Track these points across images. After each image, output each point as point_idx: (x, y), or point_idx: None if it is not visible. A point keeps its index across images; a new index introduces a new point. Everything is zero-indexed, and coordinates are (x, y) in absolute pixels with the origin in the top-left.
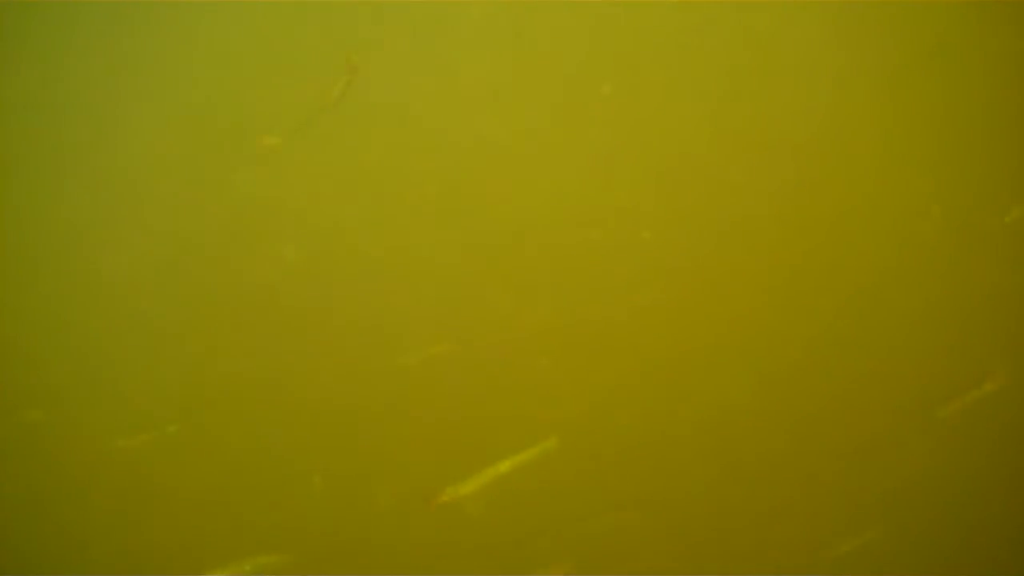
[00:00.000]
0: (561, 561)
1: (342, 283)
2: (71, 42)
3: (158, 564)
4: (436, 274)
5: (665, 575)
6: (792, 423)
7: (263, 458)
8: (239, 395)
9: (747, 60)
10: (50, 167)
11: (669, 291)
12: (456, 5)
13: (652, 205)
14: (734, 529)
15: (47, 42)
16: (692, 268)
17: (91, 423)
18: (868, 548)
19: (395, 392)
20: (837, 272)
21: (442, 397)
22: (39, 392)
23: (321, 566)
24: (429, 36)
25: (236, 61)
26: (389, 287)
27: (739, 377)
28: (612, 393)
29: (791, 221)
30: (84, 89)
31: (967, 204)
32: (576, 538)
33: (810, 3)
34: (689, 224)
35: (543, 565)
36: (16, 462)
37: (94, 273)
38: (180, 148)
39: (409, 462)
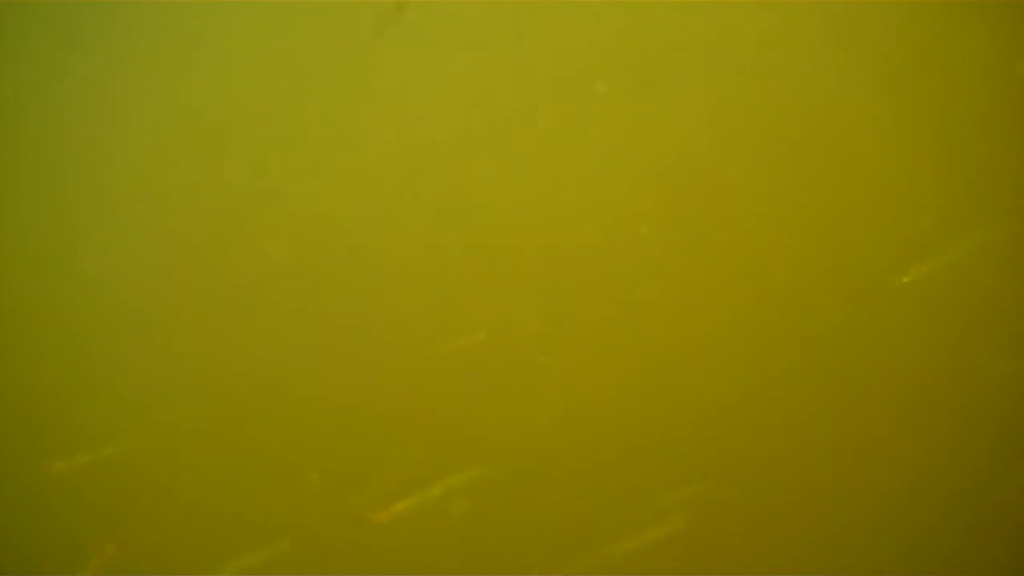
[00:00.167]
0: (561, 560)
1: (338, 281)
2: (71, 40)
3: (157, 561)
4: (433, 273)
5: (665, 575)
6: (792, 422)
7: (261, 456)
8: (238, 394)
9: (744, 57)
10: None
11: (669, 287)
12: (448, 4)
13: (650, 202)
14: (735, 528)
15: (47, 41)
16: (692, 264)
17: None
18: (871, 552)
19: (394, 390)
20: (837, 270)
21: (439, 396)
22: None
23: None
24: (421, 33)
25: (235, 61)
26: (387, 286)
27: (740, 374)
28: (610, 391)
29: (789, 216)
30: (85, 87)
31: (966, 203)
32: (577, 537)
33: (808, 1)
34: (687, 220)
35: (543, 563)
36: None
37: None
38: (177, 147)
39: (406, 460)
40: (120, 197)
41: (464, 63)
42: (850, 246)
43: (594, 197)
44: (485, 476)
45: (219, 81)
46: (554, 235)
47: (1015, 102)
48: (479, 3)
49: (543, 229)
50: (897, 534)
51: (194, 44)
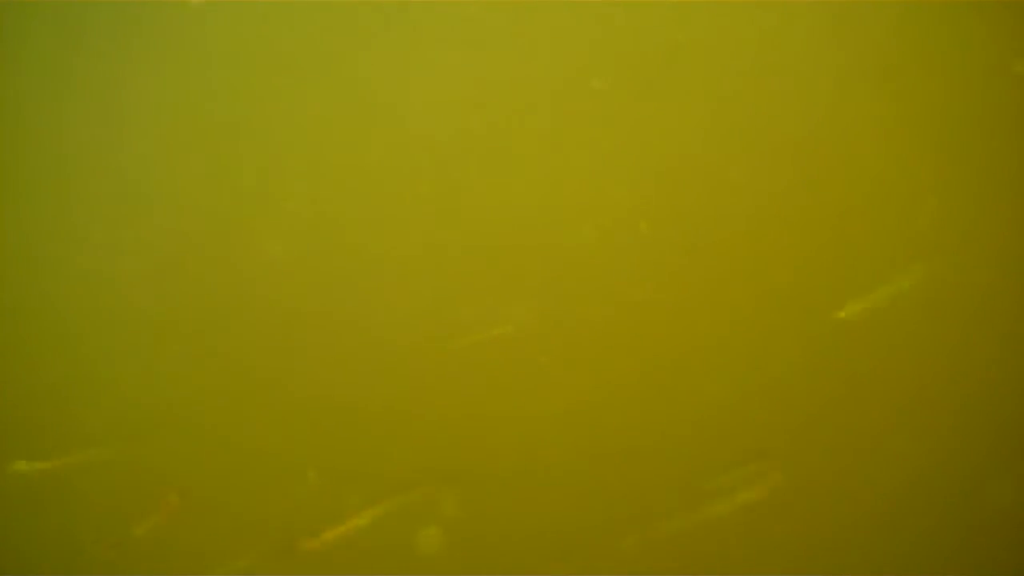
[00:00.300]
0: (562, 558)
1: (335, 281)
2: (71, 40)
3: (159, 562)
4: (431, 272)
5: (664, 574)
6: (791, 420)
7: (259, 454)
8: (237, 392)
9: (739, 55)
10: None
11: (668, 284)
12: (446, 4)
13: (648, 199)
14: (735, 528)
15: (47, 41)
16: (692, 260)
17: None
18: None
19: (392, 389)
20: (834, 269)
21: (438, 395)
22: None
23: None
24: (419, 32)
25: (234, 63)
26: (385, 286)
27: (740, 370)
28: (608, 390)
29: (787, 213)
30: (85, 88)
31: (965, 201)
32: (577, 536)
33: (805, 1)
34: (686, 217)
35: (544, 562)
36: None
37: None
38: (177, 147)
39: (403, 459)
40: (120, 196)
41: (462, 62)
42: (846, 242)
43: (592, 194)
44: (482, 475)
45: (219, 82)
46: (553, 233)
47: (1013, 100)
48: (477, 3)
49: (542, 227)
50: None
51: (193, 45)
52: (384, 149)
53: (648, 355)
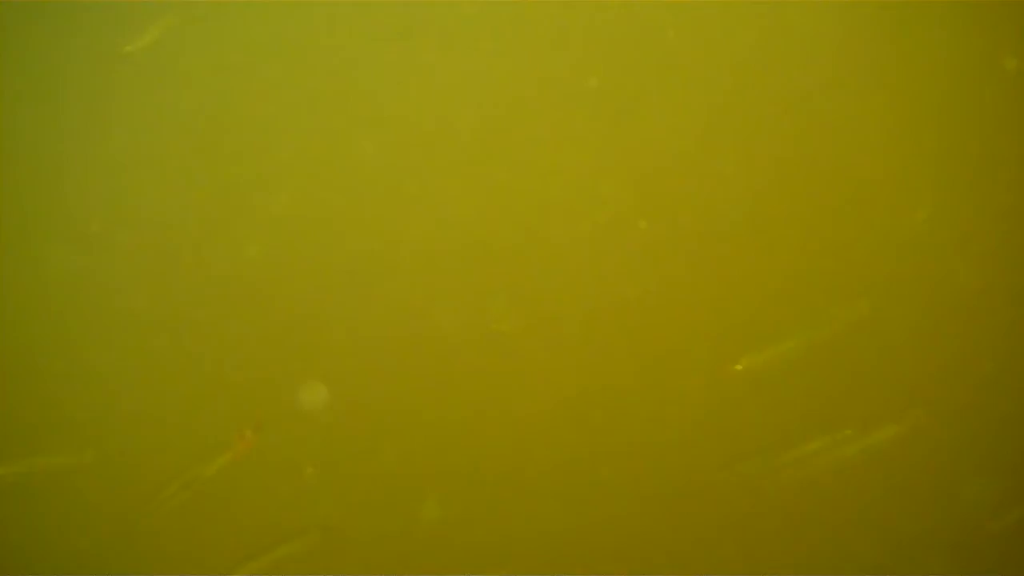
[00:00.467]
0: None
1: (332, 280)
2: (70, 40)
3: (162, 564)
4: (428, 270)
5: (663, 574)
6: (790, 418)
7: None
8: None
9: (737, 51)
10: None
11: (667, 279)
12: (442, 3)
13: (644, 196)
14: (734, 528)
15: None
16: (690, 256)
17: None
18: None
19: (390, 388)
20: (837, 265)
21: (437, 393)
22: None
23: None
24: (410, 29)
25: (233, 64)
26: (383, 284)
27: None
28: (607, 387)
29: (783, 210)
30: (83, 87)
31: (959, 196)
32: (575, 535)
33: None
34: (682, 214)
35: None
36: None
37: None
38: (176, 146)
39: (401, 457)
40: (118, 196)
41: (458, 62)
42: (842, 238)
43: (589, 192)
44: (477, 474)
45: (219, 83)
46: (551, 230)
47: (1004, 96)
48: (473, 2)
49: (539, 224)
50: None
51: (182, 47)
52: (378, 147)
53: (646, 351)
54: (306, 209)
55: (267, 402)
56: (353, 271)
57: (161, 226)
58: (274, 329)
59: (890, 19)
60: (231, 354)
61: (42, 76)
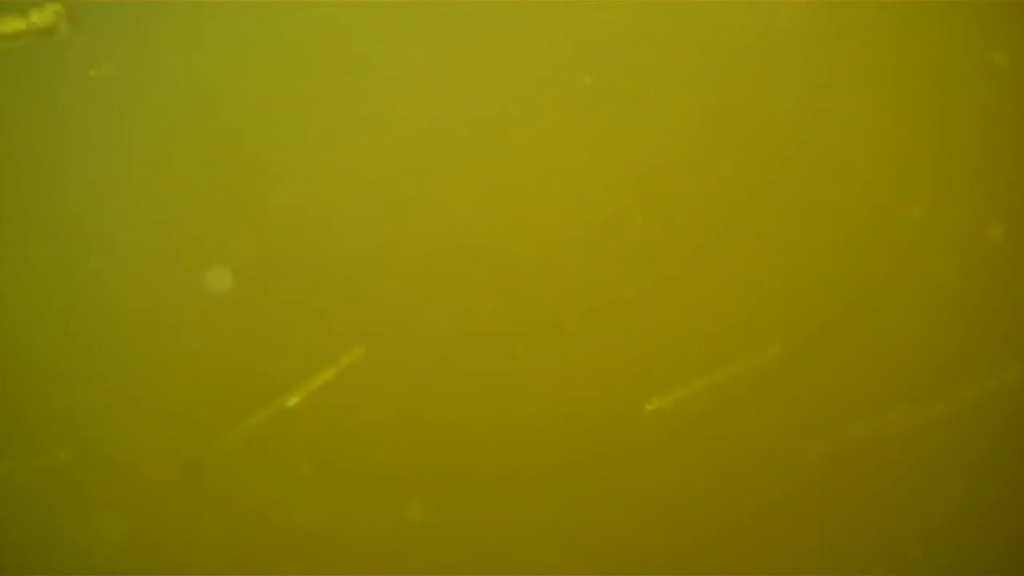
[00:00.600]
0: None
1: (327, 279)
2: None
3: (160, 564)
4: (425, 268)
5: (662, 574)
6: (788, 416)
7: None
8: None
9: (731, 48)
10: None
11: (664, 277)
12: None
13: (641, 194)
14: (731, 531)
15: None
16: (687, 252)
17: None
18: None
19: (388, 386)
20: (835, 263)
21: (432, 392)
22: None
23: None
24: (401, 26)
25: (232, 65)
26: (375, 281)
27: (736, 366)
28: (606, 387)
29: (780, 208)
30: (82, 86)
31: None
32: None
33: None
34: (678, 212)
35: (541, 566)
36: None
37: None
38: (177, 147)
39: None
40: (117, 195)
41: (450, 58)
42: (837, 233)
43: (584, 189)
44: (471, 473)
45: (220, 84)
46: (548, 227)
47: (990, 92)
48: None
49: (533, 222)
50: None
51: (183, 42)
52: (371, 146)
53: (642, 349)
54: (301, 206)
55: (266, 400)
56: (347, 269)
57: (159, 224)
58: (272, 328)
59: (879, 17)
60: (229, 353)
61: (46, 71)
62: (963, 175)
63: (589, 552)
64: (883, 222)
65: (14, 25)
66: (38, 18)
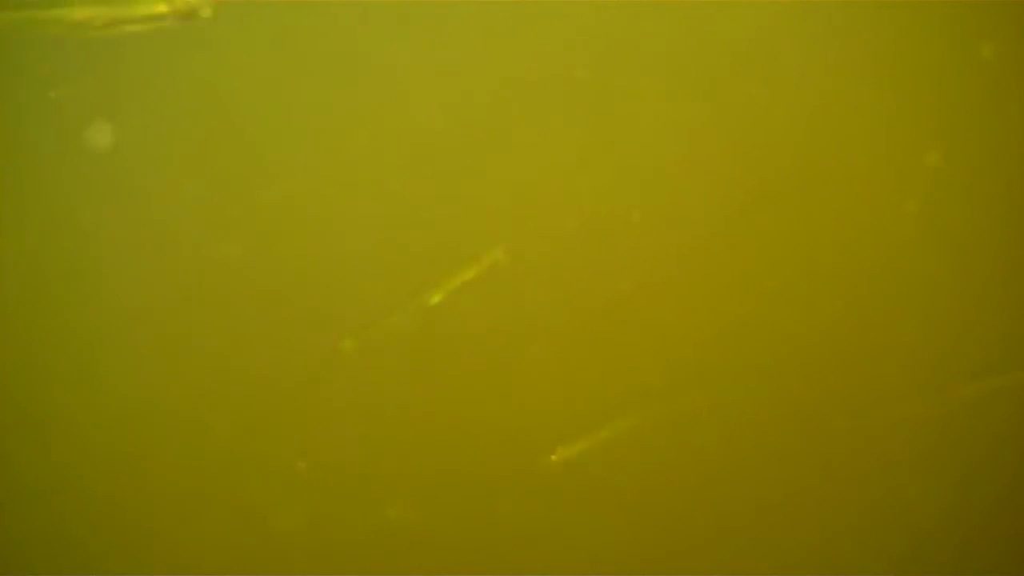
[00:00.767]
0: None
1: (324, 278)
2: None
3: (156, 560)
4: (423, 268)
5: (661, 574)
6: (787, 415)
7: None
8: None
9: (724, 42)
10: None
11: (660, 272)
12: None
13: (637, 190)
14: (730, 528)
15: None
16: (684, 249)
17: None
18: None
19: (386, 385)
20: (836, 261)
21: (430, 388)
22: None
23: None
24: (396, 21)
25: (231, 66)
26: (374, 281)
27: (734, 365)
28: (605, 384)
29: (776, 204)
30: (82, 86)
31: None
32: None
33: None
34: (674, 208)
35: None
36: None
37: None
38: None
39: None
40: (117, 195)
41: (444, 53)
42: (834, 229)
43: (580, 187)
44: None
45: (223, 85)
46: (544, 223)
47: (980, 84)
48: None
49: (528, 218)
50: None
51: (184, 44)
52: (366, 142)
53: (640, 346)
54: (296, 203)
55: (264, 399)
56: (342, 267)
57: (156, 222)
58: (269, 327)
59: (864, 9)
60: (225, 353)
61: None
62: (956, 169)
63: None
64: (876, 217)
65: (157, 7)
66: (181, 1)
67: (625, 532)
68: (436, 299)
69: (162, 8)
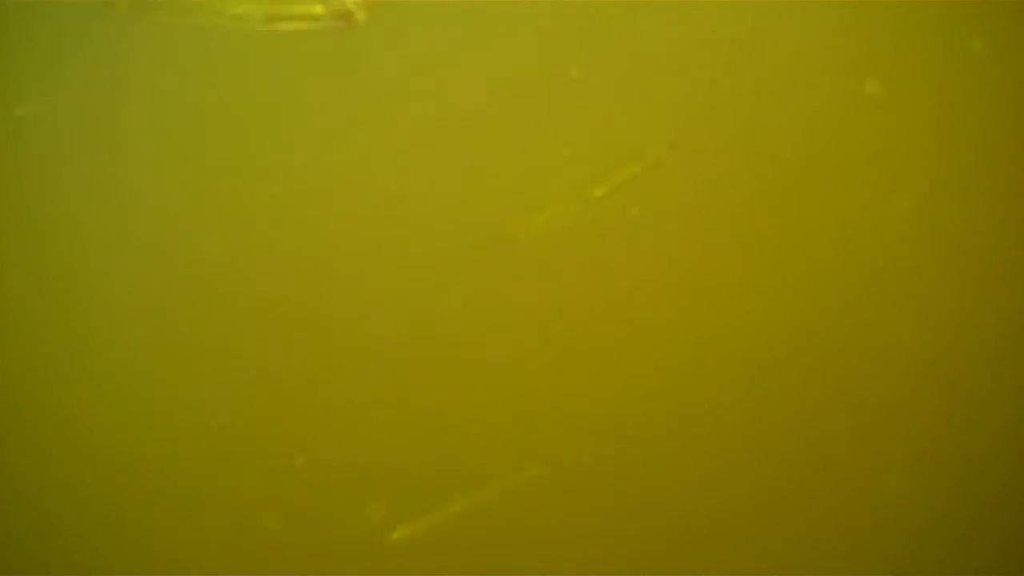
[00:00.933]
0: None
1: (323, 277)
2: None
3: (155, 558)
4: (421, 265)
5: (660, 574)
6: (787, 414)
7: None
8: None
9: (719, 39)
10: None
11: (656, 270)
12: None
13: (633, 187)
14: (730, 528)
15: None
16: (682, 247)
17: None
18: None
19: (385, 384)
20: (828, 259)
21: (429, 388)
22: None
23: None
24: (392, 20)
25: (232, 65)
26: (379, 281)
27: (732, 365)
28: (604, 384)
29: (772, 203)
30: (82, 85)
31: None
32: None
33: None
34: (669, 205)
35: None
36: None
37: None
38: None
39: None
40: (118, 196)
41: (438, 52)
42: (830, 229)
43: (576, 186)
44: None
45: (221, 85)
46: (541, 222)
47: (970, 79)
48: None
49: (523, 216)
50: None
51: (183, 43)
52: (362, 141)
53: (639, 345)
54: (293, 202)
55: (263, 398)
56: (339, 265)
57: (154, 221)
58: (267, 326)
59: (865, 10)
60: (224, 353)
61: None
62: (950, 164)
63: None
64: (869, 214)
65: (313, 8)
66: (338, 3)
67: (625, 532)
68: (439, 296)
69: (317, 9)
